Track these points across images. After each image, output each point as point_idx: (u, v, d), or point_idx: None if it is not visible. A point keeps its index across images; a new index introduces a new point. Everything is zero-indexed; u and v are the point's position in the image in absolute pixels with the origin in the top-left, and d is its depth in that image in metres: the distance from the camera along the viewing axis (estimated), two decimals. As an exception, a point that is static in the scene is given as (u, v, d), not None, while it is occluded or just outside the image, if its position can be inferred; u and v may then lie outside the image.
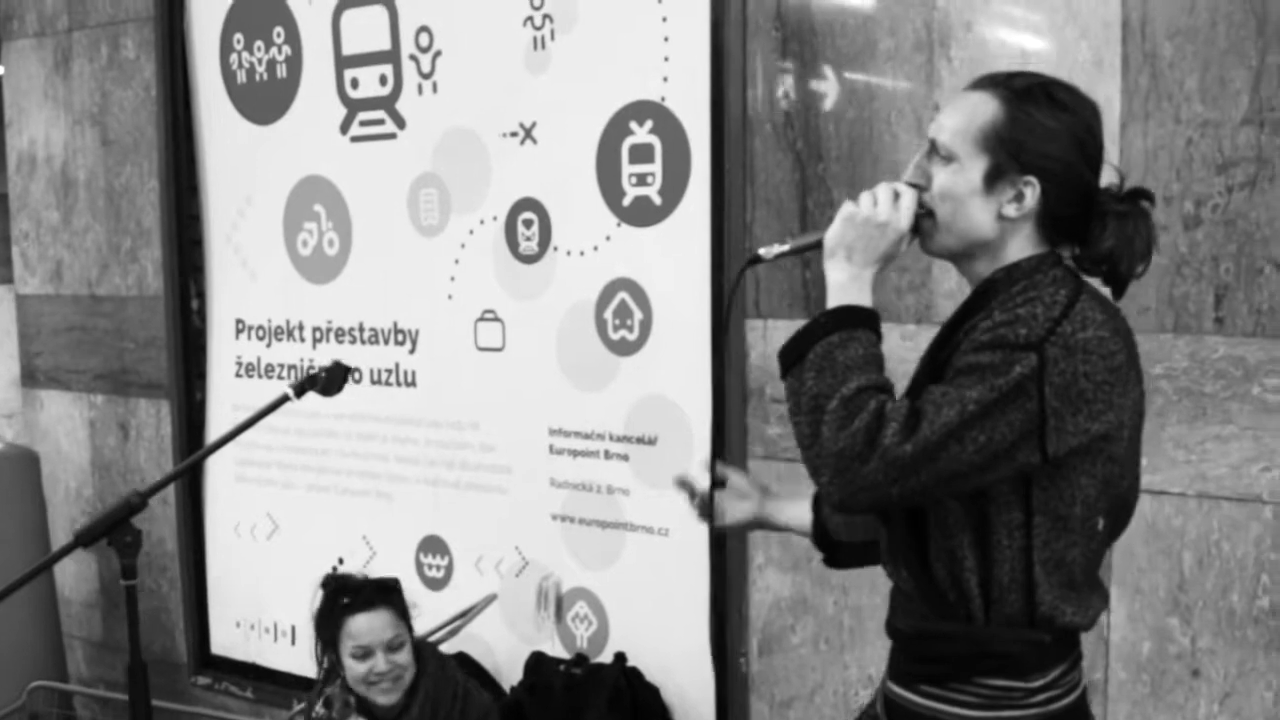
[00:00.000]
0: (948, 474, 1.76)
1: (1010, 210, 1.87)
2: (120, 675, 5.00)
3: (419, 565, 4.09)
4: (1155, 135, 2.72)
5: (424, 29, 3.86)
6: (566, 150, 3.62)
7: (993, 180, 1.87)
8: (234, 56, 4.36)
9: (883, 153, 3.06)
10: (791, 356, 1.90)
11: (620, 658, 3.57)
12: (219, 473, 4.60)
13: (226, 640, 4.66)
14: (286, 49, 4.21)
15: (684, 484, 2.38)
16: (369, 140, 4.05)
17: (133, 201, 4.68)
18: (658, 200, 3.46)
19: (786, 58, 3.22)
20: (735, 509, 2.38)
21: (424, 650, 3.13)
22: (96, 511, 4.97)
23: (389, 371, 4.10)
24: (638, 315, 3.53)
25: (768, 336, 3.29)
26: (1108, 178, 1.92)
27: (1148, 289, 2.75)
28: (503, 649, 3.89)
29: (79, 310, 4.92)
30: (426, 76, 3.88)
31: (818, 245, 1.98)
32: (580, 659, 3.63)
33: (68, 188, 4.89)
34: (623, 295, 3.55)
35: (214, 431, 4.59)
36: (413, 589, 4.06)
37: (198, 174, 4.52)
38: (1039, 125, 1.84)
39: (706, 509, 2.34)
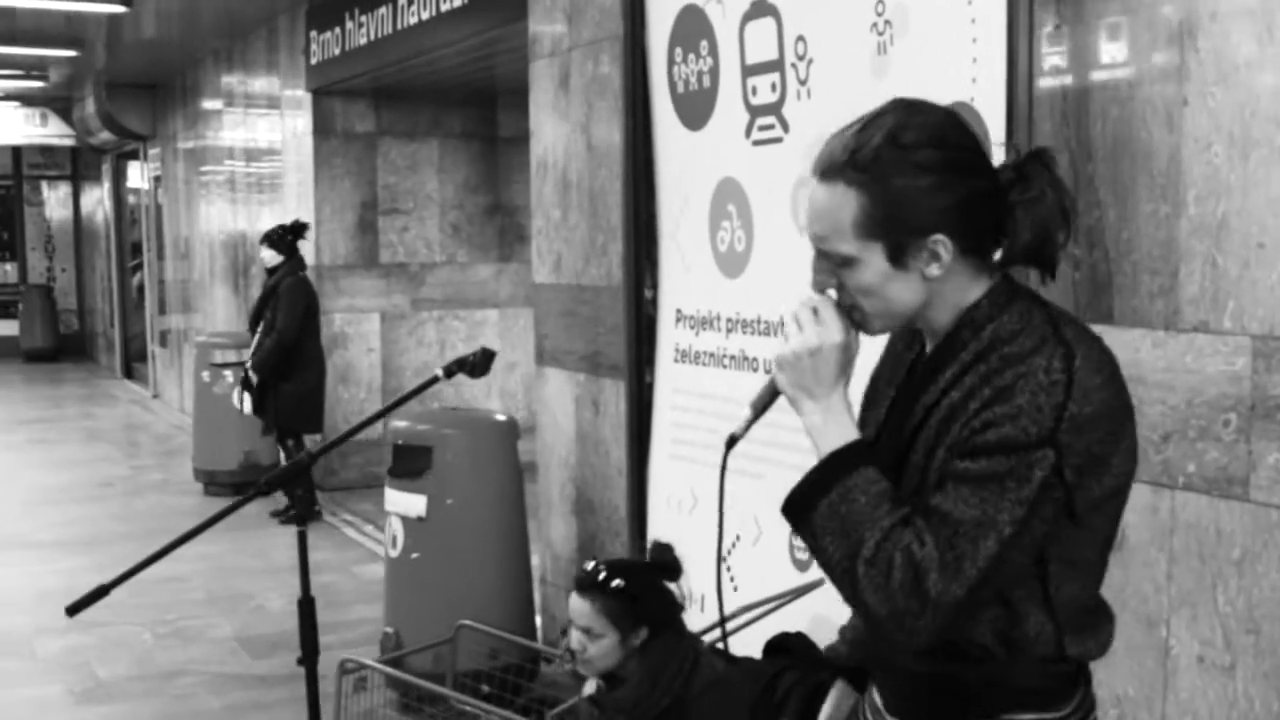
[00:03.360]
0: (998, 580, 1.73)
1: (933, 270, 1.79)
2: (595, 626, 5.58)
3: (790, 547, 4.29)
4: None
5: (800, 38, 4.07)
6: (903, 152, 3.69)
7: (898, 258, 1.79)
8: (675, 68, 4.76)
9: (1138, 152, 2.92)
10: (795, 515, 1.88)
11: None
12: (660, 449, 5.03)
13: (659, 602, 5.08)
14: (709, 60, 4.56)
15: None
16: (765, 144, 4.31)
17: (606, 201, 5.22)
18: (967, 201, 3.47)
19: (1064, 55, 3.14)
20: None
21: (661, 631, 3.35)
22: (572, 480, 5.58)
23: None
24: (950, 315, 3.56)
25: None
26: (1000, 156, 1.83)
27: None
28: (844, 634, 4.02)
29: (571, 297, 5.54)
30: (803, 83, 4.08)
31: (776, 395, 1.94)
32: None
33: (566, 189, 5.52)
34: (940, 295, 3.59)
35: (659, 411, 5.02)
36: (784, 570, 4.31)
37: (654, 176, 4.97)
38: (905, 190, 1.76)
39: None
